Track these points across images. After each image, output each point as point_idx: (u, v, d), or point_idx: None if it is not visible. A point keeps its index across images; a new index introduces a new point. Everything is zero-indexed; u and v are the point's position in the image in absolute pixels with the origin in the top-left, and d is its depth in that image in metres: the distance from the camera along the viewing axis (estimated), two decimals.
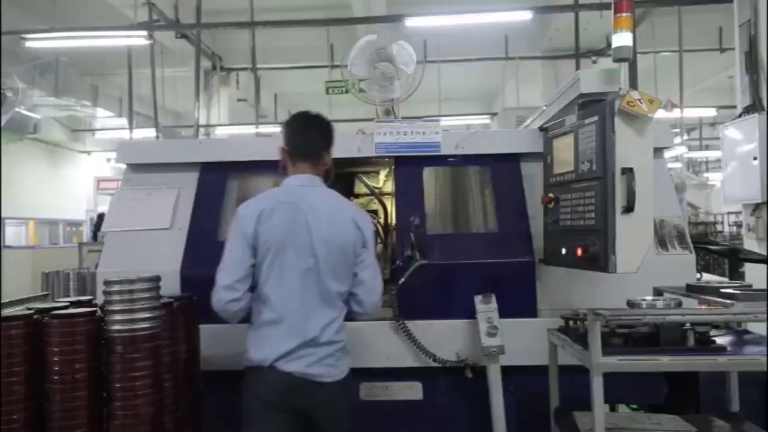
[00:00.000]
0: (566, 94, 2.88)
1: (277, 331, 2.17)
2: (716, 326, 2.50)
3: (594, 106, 2.46)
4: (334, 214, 2.24)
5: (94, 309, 2.15)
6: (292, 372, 2.14)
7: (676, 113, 10.32)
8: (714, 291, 2.37)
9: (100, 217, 10.74)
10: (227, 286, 2.14)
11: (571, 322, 2.51)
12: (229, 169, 3.17)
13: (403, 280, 2.82)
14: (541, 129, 2.95)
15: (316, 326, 2.17)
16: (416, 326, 2.80)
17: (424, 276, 2.83)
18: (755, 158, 5.27)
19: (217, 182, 3.14)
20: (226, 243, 2.23)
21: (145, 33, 9.12)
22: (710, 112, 13.86)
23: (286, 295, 2.17)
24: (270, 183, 3.18)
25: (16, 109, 10.93)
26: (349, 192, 3.75)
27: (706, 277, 3.29)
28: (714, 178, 18.89)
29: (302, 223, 2.19)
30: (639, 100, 2.28)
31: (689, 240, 2.94)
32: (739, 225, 13.00)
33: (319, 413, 2.21)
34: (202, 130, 12.04)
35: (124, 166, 3.29)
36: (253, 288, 2.22)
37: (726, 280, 3.47)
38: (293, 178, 2.33)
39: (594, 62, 11.40)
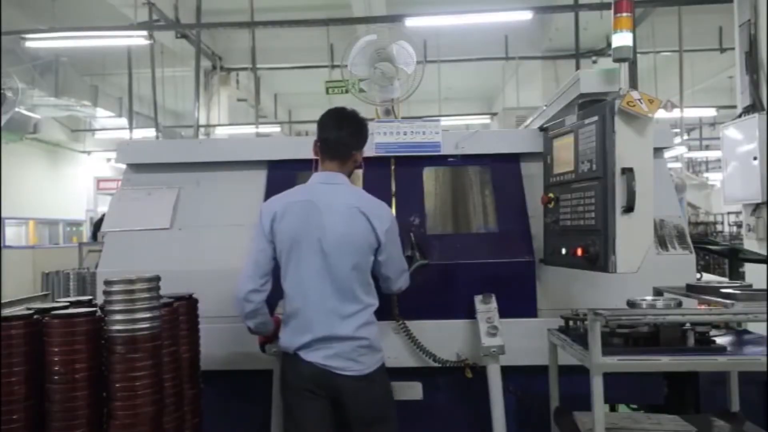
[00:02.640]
0: (566, 94, 2.87)
1: (295, 324, 2.29)
2: (716, 326, 2.49)
3: (594, 106, 2.45)
4: (351, 213, 2.27)
5: (94, 309, 2.14)
6: (312, 362, 2.24)
7: (676, 113, 10.31)
8: (714, 291, 2.36)
9: (100, 220, 10.74)
10: (248, 277, 2.27)
11: (571, 322, 2.50)
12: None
13: None
14: (541, 129, 2.95)
15: (331, 322, 2.24)
16: (416, 326, 2.80)
17: (424, 276, 2.83)
18: (755, 158, 5.28)
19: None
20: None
21: (145, 33, 9.12)
22: (710, 112, 13.87)
23: (302, 292, 2.26)
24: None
25: (16, 109, 10.90)
26: None
27: (706, 277, 3.29)
28: (714, 178, 18.89)
29: (316, 223, 2.25)
30: (639, 100, 2.27)
31: (689, 240, 2.94)
32: (739, 225, 13.01)
33: (346, 402, 2.27)
34: (202, 130, 12.05)
35: (124, 166, 3.29)
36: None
37: (726, 280, 3.46)
38: (317, 176, 2.39)
39: (594, 62, 11.42)
